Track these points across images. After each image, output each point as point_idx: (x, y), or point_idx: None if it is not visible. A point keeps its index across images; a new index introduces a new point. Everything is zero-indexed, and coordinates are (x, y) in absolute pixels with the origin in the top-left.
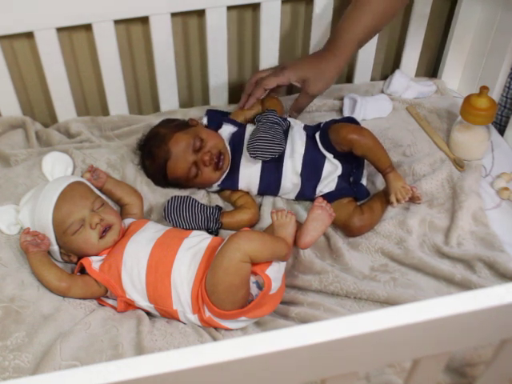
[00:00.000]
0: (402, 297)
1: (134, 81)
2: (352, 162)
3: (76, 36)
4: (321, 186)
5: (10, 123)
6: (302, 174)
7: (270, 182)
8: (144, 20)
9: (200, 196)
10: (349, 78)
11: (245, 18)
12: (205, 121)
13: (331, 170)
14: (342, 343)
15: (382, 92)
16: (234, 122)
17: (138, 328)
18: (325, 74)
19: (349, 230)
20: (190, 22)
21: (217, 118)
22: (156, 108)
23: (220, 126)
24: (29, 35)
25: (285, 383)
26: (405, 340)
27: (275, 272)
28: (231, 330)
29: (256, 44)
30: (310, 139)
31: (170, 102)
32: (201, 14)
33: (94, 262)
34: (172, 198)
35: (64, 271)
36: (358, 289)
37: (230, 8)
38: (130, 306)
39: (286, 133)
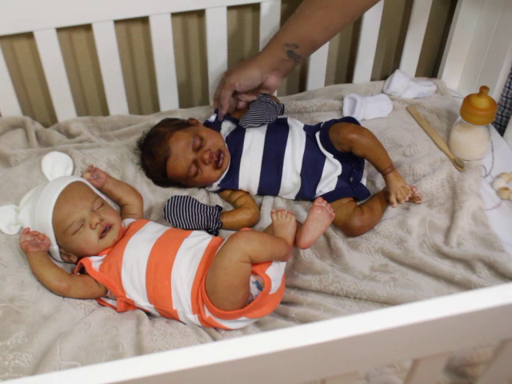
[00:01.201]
0: (402, 297)
1: (134, 81)
2: (352, 162)
3: (76, 36)
4: (321, 185)
5: (10, 123)
6: (301, 174)
7: (270, 182)
8: (144, 20)
9: (200, 196)
10: (349, 78)
11: (245, 18)
12: (212, 118)
13: (331, 170)
14: (342, 343)
15: (382, 92)
16: (233, 120)
17: (137, 328)
18: (244, 66)
19: (349, 230)
20: (190, 22)
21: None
22: (156, 108)
23: (222, 125)
24: (29, 35)
25: (285, 383)
26: (405, 340)
27: (275, 272)
28: (231, 330)
29: (256, 44)
30: (310, 139)
31: (169, 101)
32: (201, 13)
33: (94, 262)
34: (172, 197)
35: (64, 271)
36: (358, 289)
37: (229, 8)
38: (129, 306)
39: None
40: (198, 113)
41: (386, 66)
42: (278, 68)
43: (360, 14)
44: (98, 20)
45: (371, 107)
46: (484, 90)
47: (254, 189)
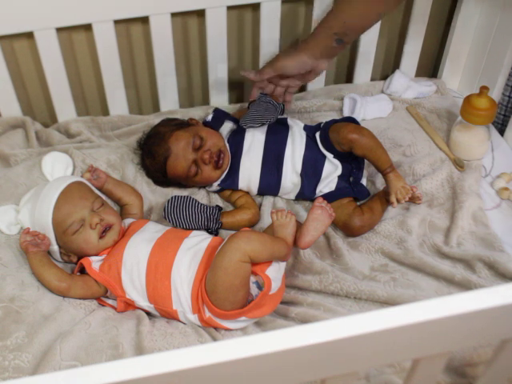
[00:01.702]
0: (401, 297)
1: (134, 81)
2: (352, 162)
3: (76, 36)
4: (321, 185)
5: (10, 123)
6: (302, 174)
7: (270, 182)
8: (144, 20)
9: (200, 196)
10: (349, 78)
11: (245, 18)
12: (209, 117)
13: (331, 170)
14: (342, 343)
15: (382, 92)
16: (234, 120)
17: (137, 328)
18: (290, 54)
19: (349, 230)
20: (190, 22)
21: (222, 118)
22: (156, 108)
23: (222, 125)
24: (29, 35)
25: (285, 383)
26: (405, 340)
27: (275, 272)
28: (231, 330)
29: (256, 44)
30: (310, 139)
31: (169, 101)
32: (201, 13)
33: (94, 262)
34: (172, 197)
35: (64, 271)
36: (358, 289)
37: (229, 8)
38: (129, 306)
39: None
40: (198, 113)
41: (386, 66)
42: (327, 54)
43: None
44: (98, 20)
45: (371, 107)
46: (484, 90)
47: (254, 189)
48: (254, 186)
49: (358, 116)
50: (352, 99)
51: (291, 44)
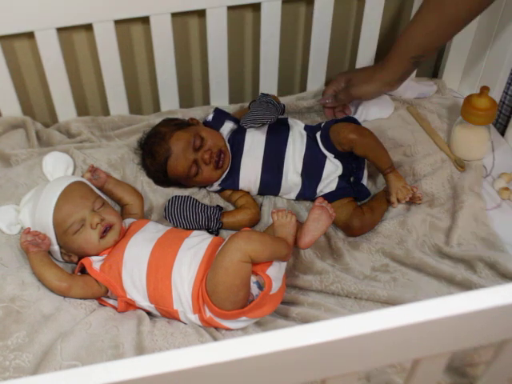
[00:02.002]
0: (402, 297)
1: (135, 81)
2: (353, 162)
3: (76, 36)
4: (321, 185)
5: (11, 123)
6: (302, 174)
7: (271, 182)
8: (144, 20)
9: (201, 196)
10: None
11: (245, 18)
12: (210, 117)
13: (332, 170)
14: (342, 343)
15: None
16: (235, 120)
17: (138, 328)
18: (368, 81)
19: (349, 230)
20: (191, 22)
21: (222, 118)
22: (156, 108)
23: (223, 125)
24: (29, 35)
25: (285, 383)
26: (405, 340)
27: (276, 272)
28: (232, 330)
29: (256, 44)
30: (311, 139)
31: (170, 101)
32: (201, 13)
33: (95, 262)
34: (173, 197)
35: (64, 271)
36: (359, 289)
37: (230, 8)
38: (130, 306)
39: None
40: (199, 113)
41: None
42: (404, 77)
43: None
44: (98, 20)
45: (373, 109)
46: (484, 90)
47: (255, 189)
48: (255, 186)
49: (359, 117)
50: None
51: (365, 68)
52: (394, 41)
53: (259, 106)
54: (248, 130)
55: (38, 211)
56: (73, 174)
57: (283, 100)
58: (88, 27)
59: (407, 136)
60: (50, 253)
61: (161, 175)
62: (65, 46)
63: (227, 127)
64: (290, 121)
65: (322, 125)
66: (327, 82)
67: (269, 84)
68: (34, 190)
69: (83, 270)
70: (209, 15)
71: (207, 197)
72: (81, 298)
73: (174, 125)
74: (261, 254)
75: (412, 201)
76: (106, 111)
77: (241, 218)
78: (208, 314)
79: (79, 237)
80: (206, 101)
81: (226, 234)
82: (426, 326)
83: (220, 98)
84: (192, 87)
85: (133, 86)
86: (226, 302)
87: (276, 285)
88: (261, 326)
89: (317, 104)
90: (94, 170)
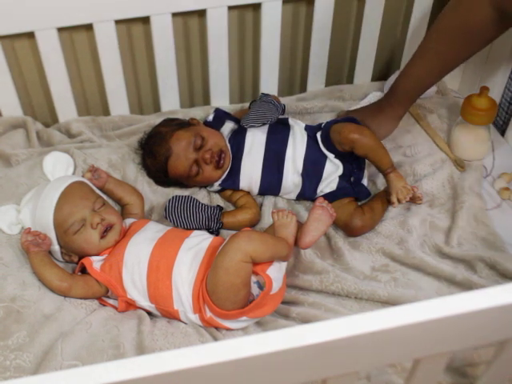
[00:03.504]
0: (402, 297)
1: (135, 81)
2: (353, 162)
3: (77, 36)
4: (322, 185)
5: (11, 123)
6: (303, 174)
7: (271, 182)
8: (145, 20)
9: (201, 196)
10: (349, 78)
11: (246, 18)
12: (210, 117)
13: (332, 170)
14: (342, 343)
15: (383, 92)
16: (235, 120)
17: (138, 328)
18: (384, 126)
19: (350, 230)
20: (191, 22)
21: (222, 118)
22: (157, 108)
23: (223, 125)
24: (30, 35)
25: (285, 383)
26: (405, 340)
27: (276, 272)
28: (232, 329)
29: (257, 44)
30: (311, 139)
31: (170, 101)
32: (202, 14)
33: (95, 262)
34: (173, 197)
35: (65, 271)
36: (359, 289)
37: (230, 8)
38: (130, 305)
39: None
40: (199, 113)
41: (386, 66)
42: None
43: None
44: (98, 20)
45: None
46: (484, 90)
47: (255, 189)
48: (255, 186)
49: None
50: None
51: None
52: (398, 45)
53: (260, 106)
54: (248, 129)
55: (38, 211)
56: (73, 173)
57: (283, 100)
58: (88, 27)
59: (407, 136)
60: (50, 253)
61: (161, 175)
62: (65, 45)
63: (228, 127)
64: (291, 121)
65: (323, 125)
66: (327, 83)
67: (269, 84)
68: (35, 189)
69: (84, 270)
70: (209, 15)
71: (207, 197)
72: (81, 298)
73: (174, 125)
74: (261, 253)
75: (412, 201)
76: (106, 111)
77: (241, 218)
78: (208, 313)
79: (80, 237)
80: (207, 101)
81: (226, 234)
82: (426, 326)
83: (220, 98)
84: (192, 87)
85: (133, 86)
86: (227, 301)
87: (276, 285)
88: (261, 325)
89: (317, 105)
90: (94, 169)
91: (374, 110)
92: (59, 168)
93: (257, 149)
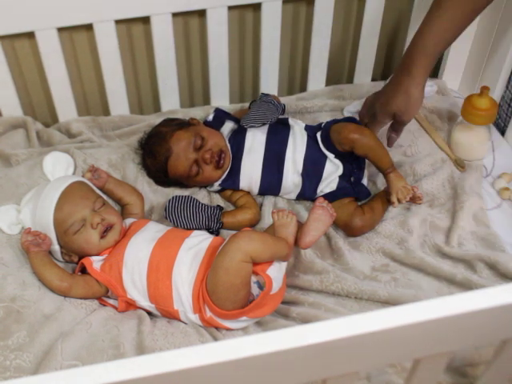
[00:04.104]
0: (402, 297)
1: (135, 81)
2: (353, 162)
3: (77, 36)
4: (322, 185)
5: (11, 123)
6: (303, 174)
7: (271, 182)
8: (145, 20)
9: (201, 196)
10: (349, 78)
11: (246, 18)
12: (210, 117)
13: (332, 170)
14: (342, 343)
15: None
16: (235, 120)
17: (138, 328)
18: (410, 100)
19: (350, 230)
20: (191, 22)
21: (222, 118)
22: (157, 108)
23: (223, 125)
24: (30, 35)
25: (285, 383)
26: (406, 340)
27: (276, 272)
28: (232, 329)
29: (257, 44)
30: (311, 139)
31: (170, 101)
32: (202, 13)
33: (95, 262)
34: (173, 197)
35: (65, 271)
36: (359, 289)
37: (230, 8)
38: (130, 305)
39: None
40: (199, 113)
41: (386, 66)
42: (427, 75)
43: None
44: (99, 20)
45: None
46: (485, 90)
47: (255, 189)
48: (255, 186)
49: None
50: (356, 113)
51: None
52: (398, 45)
53: (260, 106)
54: (248, 129)
55: (38, 211)
56: (73, 173)
57: (283, 100)
58: (88, 27)
59: (407, 136)
60: (50, 253)
61: (161, 175)
62: (65, 45)
63: (228, 127)
64: (291, 121)
65: (323, 125)
66: (327, 82)
67: (269, 84)
68: (35, 189)
69: (84, 270)
70: (209, 15)
71: (207, 197)
72: (81, 298)
73: (174, 125)
74: (261, 253)
75: (412, 201)
76: (106, 111)
77: (241, 218)
78: (208, 313)
79: (80, 237)
80: (207, 101)
81: (226, 234)
82: (426, 326)
83: (220, 97)
84: (192, 87)
85: (133, 85)
86: (227, 301)
87: (276, 285)
88: (261, 325)
89: (317, 104)
90: (94, 169)
91: (395, 88)
92: (59, 168)
93: (257, 149)
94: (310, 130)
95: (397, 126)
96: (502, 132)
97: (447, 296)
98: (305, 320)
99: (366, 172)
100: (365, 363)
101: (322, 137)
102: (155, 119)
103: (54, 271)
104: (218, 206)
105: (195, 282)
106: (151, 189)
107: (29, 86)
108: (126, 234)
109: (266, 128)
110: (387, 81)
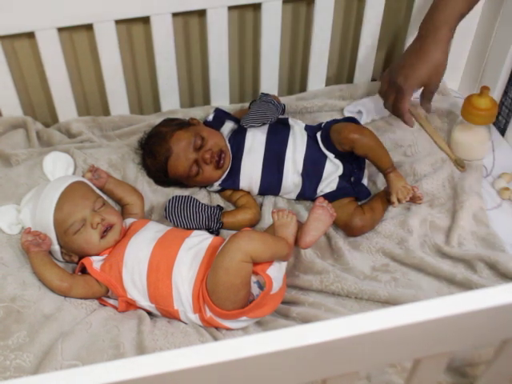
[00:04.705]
0: (402, 297)
1: (135, 81)
2: (353, 162)
3: (77, 36)
4: (322, 185)
5: (11, 123)
6: (303, 174)
7: (271, 182)
8: (145, 20)
9: (201, 196)
10: (349, 78)
11: (246, 18)
12: (210, 117)
13: (332, 170)
14: (342, 343)
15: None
16: (235, 120)
17: (139, 328)
18: (437, 67)
19: (350, 230)
20: (191, 22)
21: (222, 118)
22: (157, 108)
23: (223, 125)
24: (30, 35)
25: (285, 383)
26: (405, 340)
27: (276, 272)
28: (232, 329)
29: (257, 44)
30: (311, 139)
31: (170, 101)
32: (202, 13)
33: (95, 262)
34: (173, 197)
35: (65, 271)
36: (359, 289)
37: (231, 8)
38: (130, 305)
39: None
40: (199, 113)
41: (386, 66)
42: (449, 43)
43: None
44: (99, 20)
45: (373, 109)
46: (485, 90)
47: (255, 189)
48: (255, 186)
49: (364, 118)
50: (358, 112)
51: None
52: (398, 45)
53: (260, 106)
54: (248, 129)
55: (38, 211)
56: (73, 173)
57: (283, 100)
58: (88, 27)
59: (407, 136)
60: (50, 253)
61: (161, 175)
62: (65, 45)
63: (228, 127)
64: (291, 121)
65: (323, 125)
66: (327, 82)
67: (269, 84)
68: (35, 189)
69: (84, 270)
70: (209, 15)
71: (207, 197)
72: (81, 298)
73: (174, 125)
74: (261, 253)
75: (412, 201)
76: (106, 111)
77: (241, 218)
78: (208, 313)
79: (80, 237)
80: (207, 101)
81: (226, 233)
82: (426, 326)
83: (220, 97)
84: (192, 87)
85: (133, 85)
86: (227, 301)
87: (276, 285)
88: (261, 325)
89: (317, 104)
90: (94, 169)
91: (420, 56)
92: (59, 168)
93: (257, 149)
94: (310, 130)
95: (428, 94)
96: (502, 132)
97: (447, 296)
98: (305, 320)
99: (366, 172)
100: (365, 363)
101: (322, 137)
102: (155, 119)
103: (54, 271)
104: (218, 205)
105: (195, 281)
106: (151, 189)
107: (29, 86)
108: (126, 234)
109: (265, 128)
110: (402, 55)
